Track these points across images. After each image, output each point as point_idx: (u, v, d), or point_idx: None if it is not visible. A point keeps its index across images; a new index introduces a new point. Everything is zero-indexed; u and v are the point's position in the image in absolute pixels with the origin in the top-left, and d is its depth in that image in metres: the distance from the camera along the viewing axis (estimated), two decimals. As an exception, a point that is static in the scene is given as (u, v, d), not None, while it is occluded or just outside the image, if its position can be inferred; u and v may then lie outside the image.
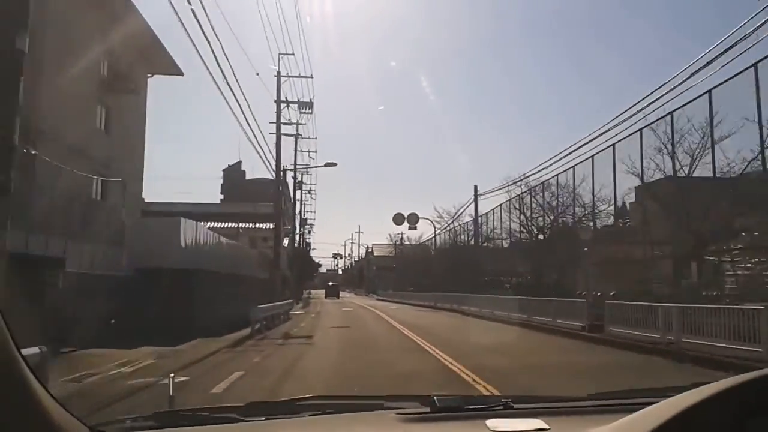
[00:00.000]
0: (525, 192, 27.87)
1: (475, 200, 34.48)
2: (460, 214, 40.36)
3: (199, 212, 45.46)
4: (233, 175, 72.83)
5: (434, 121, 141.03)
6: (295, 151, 38.49)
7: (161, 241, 17.74)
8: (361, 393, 5.77)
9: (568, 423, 1.49)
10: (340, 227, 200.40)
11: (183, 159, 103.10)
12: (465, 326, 22.79)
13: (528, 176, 27.37)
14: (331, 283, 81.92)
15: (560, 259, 24.73)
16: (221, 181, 73.30)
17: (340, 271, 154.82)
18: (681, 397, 1.02)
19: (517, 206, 28.71)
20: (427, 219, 43.02)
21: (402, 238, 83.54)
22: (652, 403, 1.09)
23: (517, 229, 29.98)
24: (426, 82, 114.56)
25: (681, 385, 1.31)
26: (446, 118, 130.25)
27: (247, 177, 69.11)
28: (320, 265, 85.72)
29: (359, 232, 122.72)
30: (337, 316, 29.45)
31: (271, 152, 27.19)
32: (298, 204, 65.56)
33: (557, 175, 25.17)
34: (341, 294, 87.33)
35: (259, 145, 25.46)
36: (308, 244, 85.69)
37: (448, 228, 44.58)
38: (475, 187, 34.78)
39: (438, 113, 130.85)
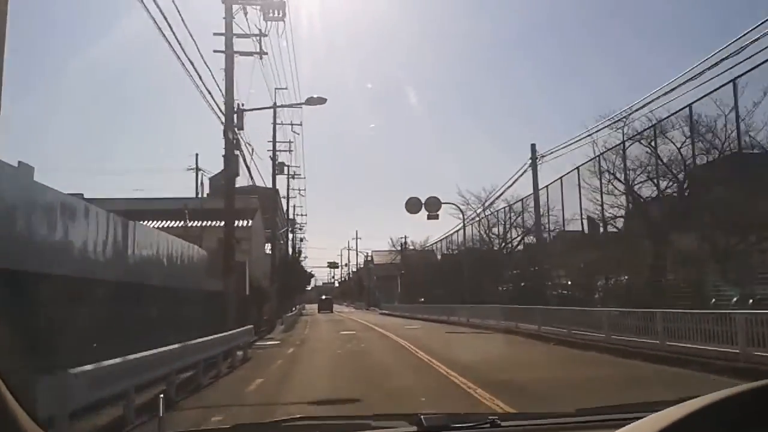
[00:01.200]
0: (630, 139, 17.61)
1: (534, 166, 24.12)
2: (499, 194, 30.08)
3: (154, 209, 35.42)
4: (220, 183, 64.31)
5: (440, 112, 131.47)
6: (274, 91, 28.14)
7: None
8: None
9: None
10: (335, 235, 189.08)
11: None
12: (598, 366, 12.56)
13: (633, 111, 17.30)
14: (324, 297, 78.68)
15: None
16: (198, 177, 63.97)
17: (336, 284, 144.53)
18: (667, 412, 1.00)
19: (609, 166, 18.45)
20: (451, 204, 32.90)
21: (405, 242, 73.64)
22: (639, 418, 1.06)
23: (598, 209, 19.82)
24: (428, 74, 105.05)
25: (668, 399, 1.20)
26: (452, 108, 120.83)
27: (237, 185, 60.64)
28: (312, 276, 75.14)
29: (357, 238, 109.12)
30: (332, 349, 17.66)
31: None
32: (284, 201, 55.70)
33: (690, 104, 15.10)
34: (338, 308, 78.61)
35: (208, 91, 15.05)
36: (299, 252, 75.60)
37: (479, 216, 34.25)
38: (533, 146, 24.48)
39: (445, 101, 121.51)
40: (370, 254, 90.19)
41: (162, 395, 4.16)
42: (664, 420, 0.96)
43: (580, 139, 20.58)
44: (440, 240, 46.27)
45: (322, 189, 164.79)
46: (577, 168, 20.67)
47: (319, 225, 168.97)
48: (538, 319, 19.69)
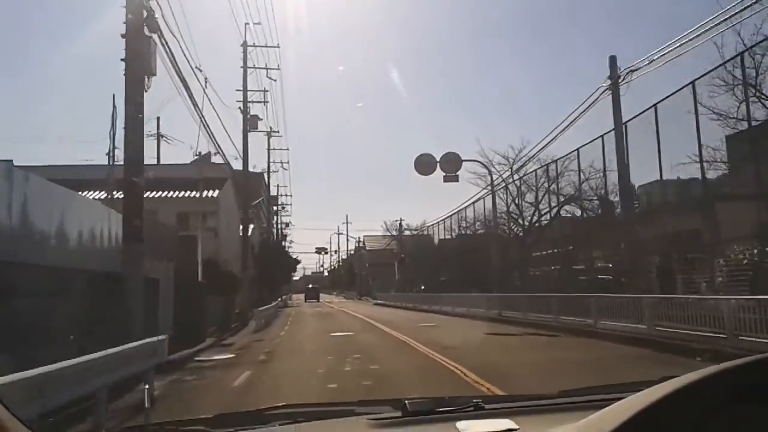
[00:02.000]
0: None
1: (615, 87, 16.67)
2: (542, 147, 22.85)
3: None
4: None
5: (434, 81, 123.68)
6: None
7: None
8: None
9: (538, 422, 1.47)
10: (324, 219, 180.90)
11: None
12: None
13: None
14: (310, 285, 77.12)
15: None
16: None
17: (325, 272, 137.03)
18: (649, 391, 1.02)
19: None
20: (475, 161, 25.65)
21: (401, 225, 66.40)
22: (621, 398, 1.08)
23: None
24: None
25: (651, 380, 1.23)
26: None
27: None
28: (298, 261, 67.59)
29: (347, 222, 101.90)
30: (319, 381, 8.90)
31: None
32: (265, 177, 48.16)
33: None
34: (328, 298, 71.42)
35: None
36: (284, 236, 68.15)
37: (506, 180, 26.91)
38: (612, 60, 16.98)
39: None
40: (361, 239, 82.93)
41: (147, 387, 5.19)
42: (648, 399, 0.98)
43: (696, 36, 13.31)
44: (450, 216, 38.90)
45: (308, 171, 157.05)
46: (692, 83, 13.51)
47: (307, 208, 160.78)
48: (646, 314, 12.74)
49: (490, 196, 26.25)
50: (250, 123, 27.78)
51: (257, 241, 48.36)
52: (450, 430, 1.45)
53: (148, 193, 29.44)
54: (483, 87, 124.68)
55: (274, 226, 58.83)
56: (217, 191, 29.85)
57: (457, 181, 24.12)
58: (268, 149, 45.19)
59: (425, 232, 52.81)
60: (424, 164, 23.77)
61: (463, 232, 36.14)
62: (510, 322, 19.75)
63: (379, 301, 53.31)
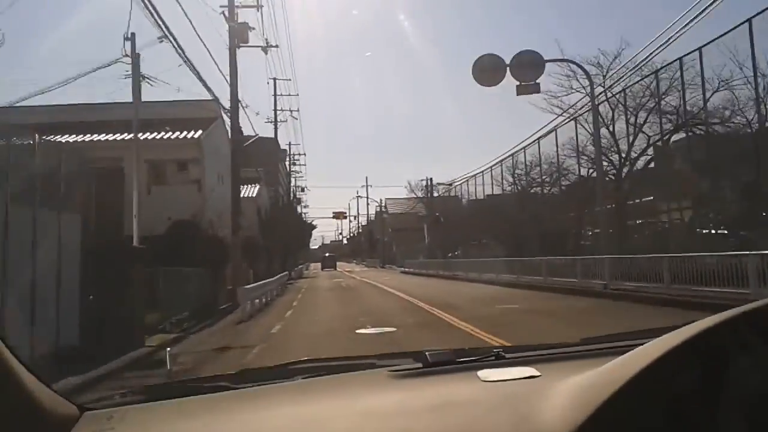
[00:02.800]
0: None
1: None
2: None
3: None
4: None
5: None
6: None
7: None
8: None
9: (560, 368, 1.43)
10: (342, 181, 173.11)
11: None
12: None
13: None
14: (327, 254, 74.68)
15: None
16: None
17: (345, 241, 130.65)
18: (673, 334, 1.02)
19: None
20: (568, 61, 18.26)
21: (429, 184, 59.09)
22: (644, 344, 1.09)
23: None
24: None
25: (674, 325, 1.16)
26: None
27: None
28: (314, 227, 60.39)
29: (367, 185, 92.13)
30: None
31: None
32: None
33: None
34: (347, 267, 64.58)
35: None
36: (298, 199, 61.27)
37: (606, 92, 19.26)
38: None
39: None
40: (382, 202, 75.74)
41: (169, 349, 5.43)
42: (670, 343, 0.99)
43: None
44: (498, 162, 31.26)
45: (322, 129, 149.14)
46: None
47: (323, 171, 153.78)
48: None
49: (556, 133, 18.72)
50: (239, 34, 20.42)
51: (265, 204, 41.55)
52: (471, 379, 1.45)
53: (108, 135, 22.76)
54: None
55: (286, 189, 51.91)
56: (200, 131, 22.78)
57: (538, 91, 16.79)
58: (275, 94, 38.05)
59: (455, 192, 45.69)
60: (488, 71, 16.24)
61: (517, 182, 28.55)
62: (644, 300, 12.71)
63: (406, 269, 46.49)
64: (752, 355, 0.98)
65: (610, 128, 19.07)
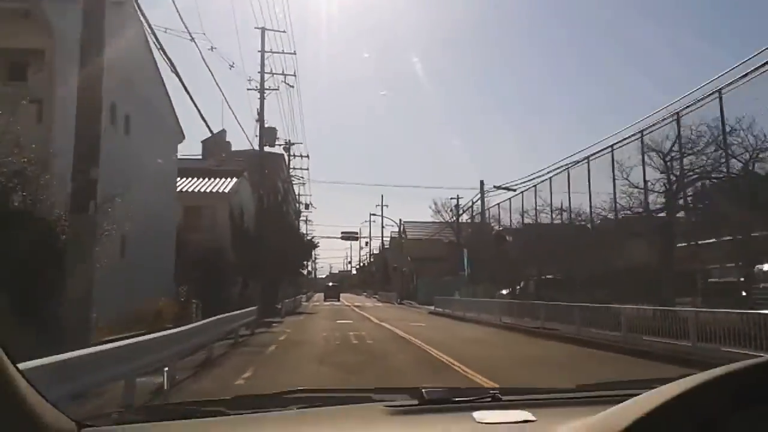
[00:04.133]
0: None
1: None
2: None
3: None
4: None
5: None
6: None
7: None
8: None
9: (555, 414, 1.44)
10: (349, 208, 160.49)
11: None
12: None
13: None
14: (330, 284, 69.95)
15: None
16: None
17: (353, 271, 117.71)
18: (668, 387, 1.01)
19: None
20: None
21: (458, 204, 46.96)
22: (638, 395, 1.08)
23: None
24: None
25: (670, 377, 1.19)
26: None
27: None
28: (316, 245, 47.08)
29: (382, 205, 74.80)
30: None
31: None
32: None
33: None
34: (357, 302, 54.42)
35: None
36: (297, 213, 49.00)
37: None
38: None
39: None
40: (400, 223, 63.24)
41: (166, 369, 5.00)
42: (666, 395, 0.98)
43: None
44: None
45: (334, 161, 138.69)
46: None
47: (328, 197, 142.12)
48: None
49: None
50: None
51: (247, 208, 29.42)
52: (466, 420, 1.43)
53: None
54: None
55: (283, 196, 39.74)
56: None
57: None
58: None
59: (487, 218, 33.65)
60: None
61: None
62: None
63: (438, 309, 33.94)
64: (747, 414, 0.95)
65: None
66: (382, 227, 68.09)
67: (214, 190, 28.78)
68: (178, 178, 26.69)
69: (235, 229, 26.98)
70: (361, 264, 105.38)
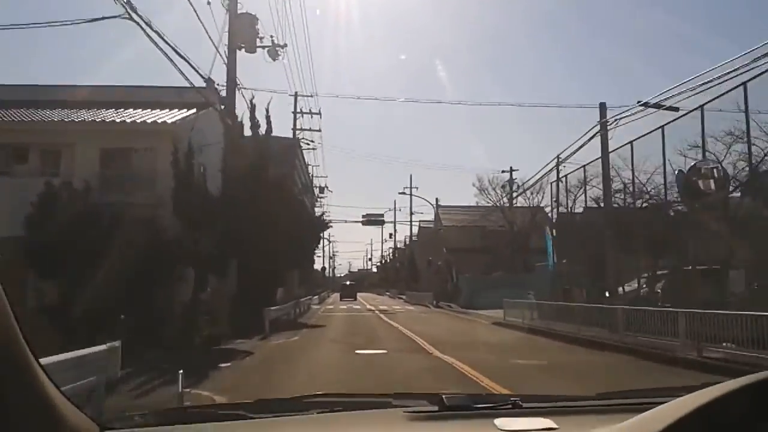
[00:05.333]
0: None
1: None
2: None
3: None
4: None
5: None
6: None
7: None
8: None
9: (577, 422, 1.45)
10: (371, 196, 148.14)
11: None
12: None
13: None
14: (348, 282, 64.77)
15: None
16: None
17: (374, 269, 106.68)
18: (691, 396, 1.00)
19: None
20: None
21: (512, 176, 35.20)
22: (661, 403, 1.07)
23: None
24: None
25: (691, 385, 1.20)
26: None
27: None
28: (328, 226, 35.04)
29: (411, 187, 61.35)
30: None
31: None
32: None
33: None
34: (383, 304, 43.57)
35: None
36: (308, 188, 37.67)
37: None
38: None
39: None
40: (436, 203, 51.61)
41: (181, 371, 4.74)
42: (689, 405, 0.96)
43: None
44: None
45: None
46: None
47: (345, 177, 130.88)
48: None
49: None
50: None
51: (208, 156, 18.23)
52: (488, 427, 1.41)
53: None
54: None
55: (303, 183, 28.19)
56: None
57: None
58: None
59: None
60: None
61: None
62: None
63: (510, 319, 22.34)
64: None
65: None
66: (411, 213, 56.72)
67: (156, 122, 17.55)
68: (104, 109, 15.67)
69: (184, 184, 15.71)
70: (383, 260, 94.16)
